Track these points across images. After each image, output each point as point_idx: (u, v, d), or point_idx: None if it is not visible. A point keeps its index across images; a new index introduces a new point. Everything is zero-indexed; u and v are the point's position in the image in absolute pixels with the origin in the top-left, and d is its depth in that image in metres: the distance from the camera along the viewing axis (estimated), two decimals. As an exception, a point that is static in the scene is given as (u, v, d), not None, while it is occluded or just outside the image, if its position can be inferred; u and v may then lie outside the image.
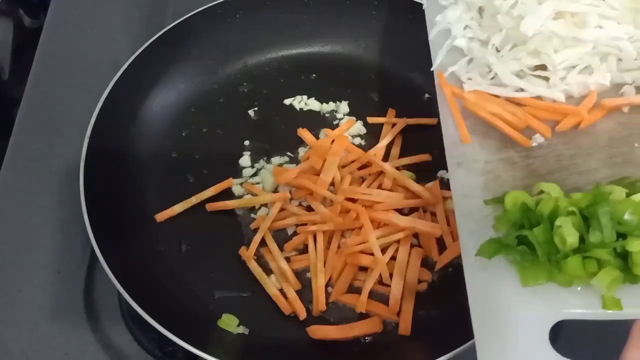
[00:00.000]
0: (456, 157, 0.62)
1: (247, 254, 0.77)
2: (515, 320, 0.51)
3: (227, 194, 0.83)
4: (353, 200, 0.79)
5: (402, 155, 0.85)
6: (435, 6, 0.75)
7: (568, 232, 0.51)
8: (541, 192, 0.56)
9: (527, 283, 0.52)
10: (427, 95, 0.92)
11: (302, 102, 0.92)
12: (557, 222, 0.51)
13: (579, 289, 0.52)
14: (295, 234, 0.79)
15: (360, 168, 0.83)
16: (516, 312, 0.52)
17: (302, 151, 0.87)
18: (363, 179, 0.82)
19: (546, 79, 0.65)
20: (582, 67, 0.64)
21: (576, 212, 0.52)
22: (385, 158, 0.85)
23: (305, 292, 0.75)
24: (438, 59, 0.70)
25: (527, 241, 0.53)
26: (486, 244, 0.54)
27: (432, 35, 0.72)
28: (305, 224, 0.78)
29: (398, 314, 0.73)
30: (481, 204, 0.58)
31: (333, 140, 0.84)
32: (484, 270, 0.54)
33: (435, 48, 0.71)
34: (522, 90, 0.65)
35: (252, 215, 0.81)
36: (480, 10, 0.71)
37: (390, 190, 0.80)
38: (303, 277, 0.77)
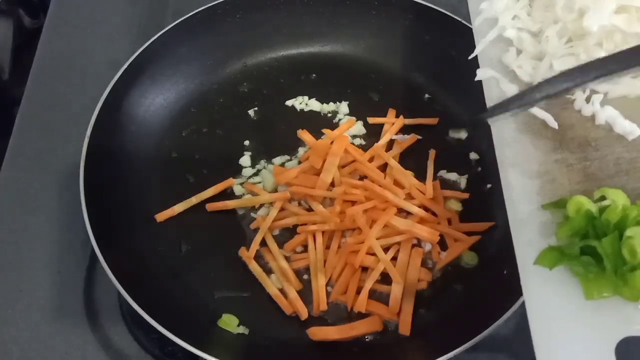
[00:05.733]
0: (508, 158, 0.58)
1: (248, 254, 0.77)
2: (579, 336, 0.49)
3: (227, 194, 0.83)
4: (352, 202, 0.79)
5: (402, 155, 0.85)
6: None
7: (639, 244, 0.48)
8: (602, 197, 0.53)
9: (591, 296, 0.49)
10: (427, 95, 0.92)
11: (302, 103, 0.92)
12: (628, 233, 0.48)
13: None
14: (295, 233, 0.79)
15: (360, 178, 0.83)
16: (580, 327, 0.49)
17: (302, 151, 0.87)
18: (362, 179, 0.82)
19: None
20: None
21: None
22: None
23: (304, 292, 0.75)
24: (480, 47, 0.66)
25: (591, 251, 0.50)
26: (546, 252, 0.51)
27: (476, 23, 0.69)
28: (306, 224, 0.78)
29: (398, 314, 0.73)
30: (537, 208, 0.54)
31: (333, 141, 0.84)
32: (543, 280, 0.51)
33: (479, 37, 0.68)
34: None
35: (253, 215, 0.81)
36: (531, 0, 0.67)
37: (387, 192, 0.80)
38: (301, 277, 0.77)
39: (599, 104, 0.59)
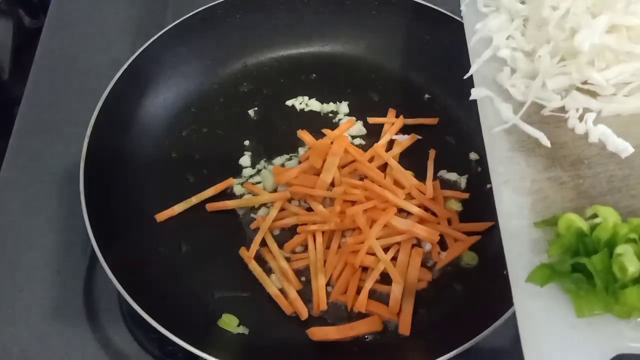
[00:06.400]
0: (501, 175, 0.58)
1: (248, 254, 0.77)
2: (570, 353, 0.49)
3: (227, 194, 0.83)
4: (352, 202, 0.79)
5: (402, 155, 0.85)
6: (474, 13, 0.72)
7: (630, 261, 0.48)
8: (594, 215, 0.53)
9: (582, 313, 0.49)
10: (427, 95, 0.92)
11: (303, 103, 0.92)
12: (618, 250, 0.49)
13: (639, 320, 0.49)
14: (295, 233, 0.79)
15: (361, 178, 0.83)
16: (571, 343, 0.49)
17: (302, 151, 0.87)
18: (362, 179, 0.82)
19: (593, 94, 0.62)
20: (636, 85, 0.61)
21: (637, 240, 0.49)
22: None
23: (304, 292, 0.75)
24: (474, 66, 0.67)
25: (582, 268, 0.50)
26: (538, 270, 0.51)
27: (471, 43, 0.70)
28: (306, 224, 0.78)
29: (398, 314, 0.73)
30: (529, 226, 0.55)
31: (333, 141, 0.84)
32: (535, 297, 0.51)
33: (474, 56, 0.68)
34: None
35: (253, 215, 0.81)
36: (525, 20, 0.68)
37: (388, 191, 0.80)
38: (301, 277, 0.77)
39: (592, 122, 0.59)
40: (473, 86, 0.65)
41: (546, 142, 0.58)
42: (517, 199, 0.57)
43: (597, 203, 0.54)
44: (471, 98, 0.64)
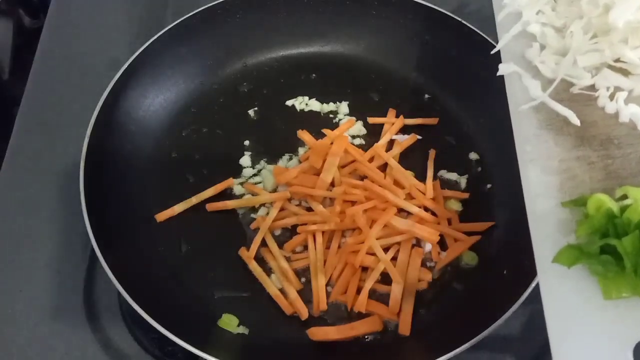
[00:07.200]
0: (528, 153, 0.58)
1: (248, 254, 0.77)
2: (596, 336, 0.48)
3: (227, 194, 0.83)
4: (352, 202, 0.79)
5: (402, 155, 0.85)
6: None
7: None
8: (624, 196, 0.52)
9: (610, 296, 0.49)
10: (427, 95, 0.92)
11: (303, 103, 0.92)
12: None
13: None
14: (295, 233, 0.79)
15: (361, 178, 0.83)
16: (597, 326, 0.49)
17: (302, 151, 0.87)
18: (362, 179, 0.82)
19: (625, 72, 0.60)
20: None
21: None
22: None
23: (304, 292, 0.75)
24: (502, 42, 0.65)
25: (610, 250, 0.49)
26: (565, 250, 0.51)
27: (499, 17, 0.68)
28: (306, 224, 0.78)
29: (398, 314, 0.73)
30: (557, 206, 0.54)
31: (333, 141, 0.84)
32: (561, 278, 0.51)
33: (502, 31, 0.67)
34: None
35: (253, 215, 0.81)
36: None
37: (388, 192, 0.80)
38: (302, 277, 0.77)
39: (623, 102, 0.58)
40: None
41: (576, 121, 0.57)
42: (545, 178, 0.56)
43: (627, 184, 0.53)
44: (499, 74, 0.62)
